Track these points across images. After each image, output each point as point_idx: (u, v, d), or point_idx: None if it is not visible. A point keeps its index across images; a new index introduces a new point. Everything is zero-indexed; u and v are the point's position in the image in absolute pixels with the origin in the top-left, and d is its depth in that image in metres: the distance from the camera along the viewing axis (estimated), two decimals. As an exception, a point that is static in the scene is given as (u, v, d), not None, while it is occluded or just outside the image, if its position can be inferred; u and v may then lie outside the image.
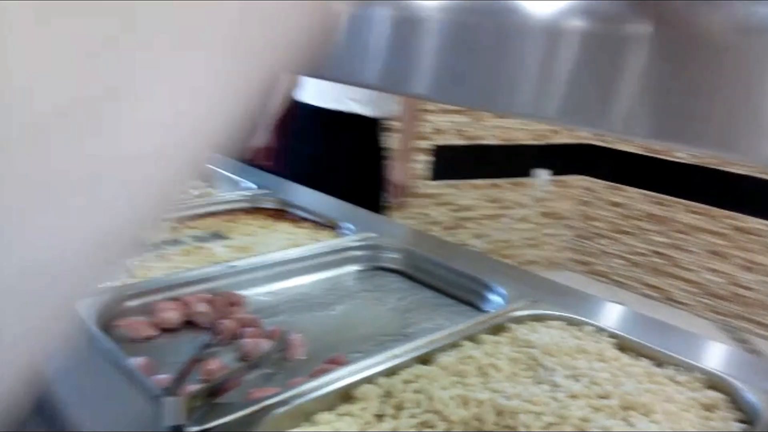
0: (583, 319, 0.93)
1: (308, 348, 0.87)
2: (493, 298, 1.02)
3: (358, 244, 1.18)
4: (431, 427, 0.71)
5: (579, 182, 3.49)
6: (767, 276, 2.91)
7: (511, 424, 0.71)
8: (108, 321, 0.87)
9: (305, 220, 1.36)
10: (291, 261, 1.10)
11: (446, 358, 0.82)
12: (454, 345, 0.86)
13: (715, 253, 3.05)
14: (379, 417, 0.72)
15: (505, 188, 3.35)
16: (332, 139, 2.10)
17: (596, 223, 3.49)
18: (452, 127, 3.13)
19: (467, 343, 0.86)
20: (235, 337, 0.86)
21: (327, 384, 0.73)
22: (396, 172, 2.16)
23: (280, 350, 0.84)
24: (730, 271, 2.99)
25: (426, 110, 3.00)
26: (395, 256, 1.16)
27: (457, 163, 3.21)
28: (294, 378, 0.79)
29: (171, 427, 0.62)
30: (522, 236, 3.44)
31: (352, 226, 1.26)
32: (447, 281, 1.09)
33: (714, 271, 3.06)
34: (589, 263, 3.54)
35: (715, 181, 2.97)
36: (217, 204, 1.39)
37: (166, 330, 0.90)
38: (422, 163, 3.12)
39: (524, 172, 3.36)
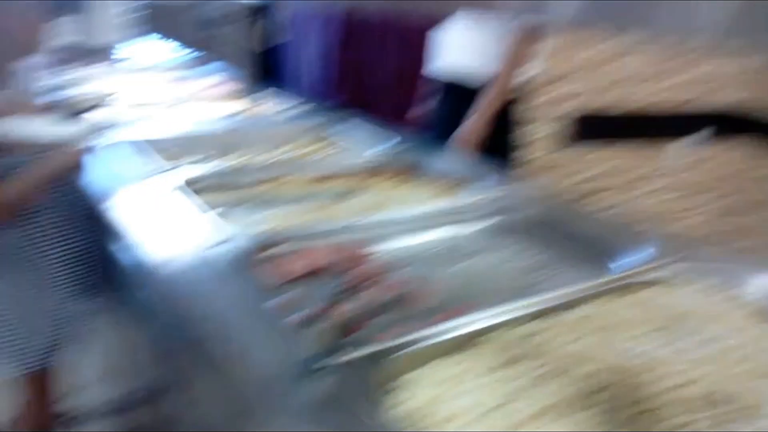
0: (720, 284, 0.89)
1: (432, 299, 0.90)
2: (625, 258, 1.00)
3: (487, 201, 1.19)
4: (553, 379, 0.72)
5: (723, 152, 3.21)
6: None
7: (631, 383, 0.70)
8: (247, 266, 0.95)
9: (438, 178, 1.39)
10: (421, 217, 1.14)
11: (570, 315, 0.82)
12: (579, 302, 0.85)
13: None
14: (495, 368, 0.74)
15: (641, 156, 3.16)
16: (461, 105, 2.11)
17: (738, 196, 3.20)
18: (588, 90, 2.99)
19: (594, 302, 0.86)
20: (364, 285, 0.91)
21: (446, 332, 0.76)
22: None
23: (405, 299, 0.88)
24: None
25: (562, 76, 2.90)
26: (525, 214, 1.17)
27: (591, 131, 3.07)
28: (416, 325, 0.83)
29: (305, 359, 0.69)
30: (663, 208, 3.24)
31: (484, 184, 1.28)
32: (577, 240, 1.08)
33: None
34: (739, 240, 3.26)
35: None
36: (354, 163, 1.45)
37: (300, 277, 0.97)
38: (556, 129, 3.02)
39: (663, 141, 3.14)
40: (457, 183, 1.34)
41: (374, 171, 1.45)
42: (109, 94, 1.96)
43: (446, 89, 2.09)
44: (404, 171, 1.45)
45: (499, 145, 2.10)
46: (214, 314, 0.80)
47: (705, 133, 3.13)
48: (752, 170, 3.16)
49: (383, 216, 1.12)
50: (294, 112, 1.91)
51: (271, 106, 2.00)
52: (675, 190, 3.23)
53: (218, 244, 0.96)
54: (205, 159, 1.52)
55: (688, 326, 0.80)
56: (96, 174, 1.29)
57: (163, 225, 1.07)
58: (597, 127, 3.05)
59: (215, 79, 2.39)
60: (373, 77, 2.89)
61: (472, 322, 0.78)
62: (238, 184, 1.31)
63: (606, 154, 3.13)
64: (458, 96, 2.06)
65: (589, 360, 0.73)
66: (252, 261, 0.96)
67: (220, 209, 1.20)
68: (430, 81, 2.13)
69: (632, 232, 1.12)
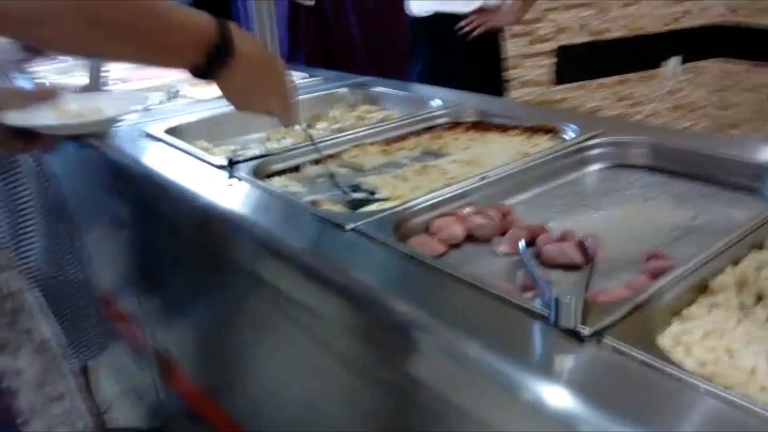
0: None
1: (607, 251, 0.83)
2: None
3: (594, 142, 1.11)
4: (808, 312, 0.66)
5: (713, 67, 3.25)
6: None
7: None
8: (398, 241, 0.85)
9: (511, 127, 1.30)
10: (534, 167, 1.05)
11: (777, 242, 0.76)
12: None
13: None
14: (743, 308, 0.67)
15: (634, 83, 3.15)
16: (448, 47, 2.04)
17: (733, 111, 3.26)
18: (576, 22, 2.95)
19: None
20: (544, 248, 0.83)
21: (681, 279, 0.69)
22: None
23: (589, 254, 0.80)
24: None
25: (549, 9, 2.83)
26: (640, 150, 1.09)
27: (582, 62, 3.04)
28: (628, 278, 0.76)
29: (566, 328, 0.60)
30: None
31: (573, 126, 1.19)
32: (710, 169, 1.01)
33: None
34: None
35: None
36: (415, 123, 1.35)
37: (453, 245, 0.87)
38: (546, 66, 2.97)
39: (654, 64, 3.15)
40: (537, 128, 1.25)
41: (440, 128, 1.35)
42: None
43: (432, 26, 2.00)
44: (472, 125, 1.35)
45: (487, 85, 2.04)
46: (415, 298, 0.70)
47: (677, 57, 3.14)
48: (735, 86, 3.21)
49: (498, 171, 1.02)
50: (307, 81, 1.77)
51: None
52: (672, 111, 3.26)
53: (352, 226, 0.85)
54: (246, 142, 1.38)
55: None
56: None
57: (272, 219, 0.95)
58: (585, 57, 3.02)
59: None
60: (339, 31, 2.73)
61: (699, 265, 0.71)
62: (299, 164, 1.18)
63: (593, 87, 3.11)
64: (448, 30, 1.98)
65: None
66: (401, 234, 0.86)
67: (313, 193, 1.08)
68: (411, 24, 2.03)
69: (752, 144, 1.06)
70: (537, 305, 0.64)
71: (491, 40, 2.13)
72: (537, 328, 0.62)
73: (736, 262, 0.73)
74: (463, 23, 1.98)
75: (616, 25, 3.01)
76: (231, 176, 1.05)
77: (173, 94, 1.66)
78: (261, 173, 1.10)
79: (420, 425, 0.71)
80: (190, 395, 1.42)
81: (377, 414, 0.79)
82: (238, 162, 1.09)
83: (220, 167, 1.09)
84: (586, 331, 0.60)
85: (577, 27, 2.97)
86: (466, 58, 2.09)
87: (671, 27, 3.09)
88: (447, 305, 0.68)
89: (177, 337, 1.37)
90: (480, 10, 2.09)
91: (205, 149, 1.25)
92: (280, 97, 0.95)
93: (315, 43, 2.52)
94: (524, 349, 0.60)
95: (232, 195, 1.00)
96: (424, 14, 2.17)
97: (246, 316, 1.03)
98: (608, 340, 0.59)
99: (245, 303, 1.02)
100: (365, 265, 0.77)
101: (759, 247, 0.76)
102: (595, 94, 3.12)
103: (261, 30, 1.56)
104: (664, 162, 1.06)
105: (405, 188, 1.04)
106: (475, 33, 1.98)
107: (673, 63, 3.14)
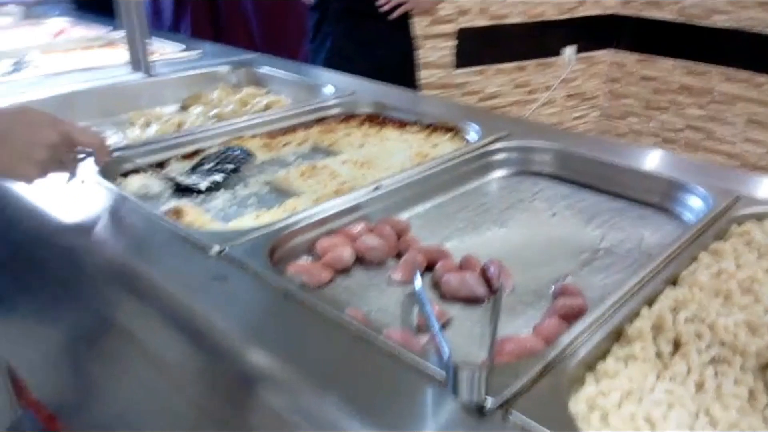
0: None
1: (511, 280, 0.74)
2: (686, 197, 0.89)
3: (498, 147, 1.02)
4: (726, 363, 0.59)
5: (607, 57, 3.30)
6: (809, 141, 2.83)
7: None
8: (276, 265, 0.71)
9: (409, 123, 1.18)
10: (434, 175, 0.94)
11: (698, 276, 0.69)
12: (692, 259, 0.73)
13: (755, 122, 2.94)
14: (661, 356, 0.60)
15: (531, 70, 3.15)
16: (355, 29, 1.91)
17: (626, 101, 3.34)
18: (477, 5, 2.88)
19: (705, 255, 0.74)
20: (442, 277, 0.72)
21: (595, 326, 0.60)
22: None
23: (495, 287, 0.70)
24: (772, 140, 2.91)
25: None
26: (545, 157, 1.01)
27: (482, 46, 2.99)
28: (532, 317, 0.67)
29: (471, 404, 0.49)
30: (550, 121, 3.28)
31: (475, 127, 1.10)
32: (617, 182, 0.95)
33: (754, 141, 2.97)
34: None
35: (757, 46, 2.81)
36: (304, 114, 1.20)
37: (341, 271, 0.75)
38: (447, 49, 2.90)
39: (551, 52, 3.15)
40: (438, 126, 1.15)
41: (334, 120, 1.22)
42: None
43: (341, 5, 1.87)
44: (367, 117, 1.23)
45: (397, 67, 1.94)
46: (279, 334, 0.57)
47: (573, 46, 3.17)
48: (628, 76, 3.28)
49: (395, 179, 0.91)
50: (189, 57, 1.57)
51: (157, 52, 1.62)
52: (566, 100, 3.28)
53: (218, 249, 0.70)
54: (106, 127, 1.18)
55: (820, 268, 0.71)
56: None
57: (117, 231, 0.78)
58: (485, 41, 2.96)
59: (57, 23, 1.93)
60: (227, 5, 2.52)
61: (612, 308, 0.63)
62: (165, 160, 1.01)
63: (498, 71, 3.07)
64: (358, 10, 1.86)
65: (761, 327, 0.61)
66: (279, 258, 0.73)
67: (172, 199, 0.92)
68: (317, 3, 1.89)
69: (667, 158, 1.01)
70: (431, 366, 0.53)
71: (402, 18, 2.00)
72: (429, 394, 0.52)
73: (651, 301, 0.65)
74: (381, 2, 1.85)
75: (515, 11, 2.97)
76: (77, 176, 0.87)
77: (21, 64, 1.41)
78: (116, 171, 0.92)
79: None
80: (42, 417, 1.23)
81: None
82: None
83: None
84: (489, 404, 0.50)
85: (478, 10, 2.90)
86: (376, 39, 1.96)
87: (568, 15, 3.10)
88: (317, 358, 0.56)
89: (26, 356, 1.17)
90: None
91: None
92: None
93: (202, 10, 2.29)
94: (410, 422, 0.49)
95: (75, 203, 0.82)
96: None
97: (94, 342, 0.86)
98: (514, 416, 0.49)
99: (93, 329, 0.85)
100: (226, 302, 0.63)
101: (674, 282, 0.69)
102: (494, 80, 3.09)
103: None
104: (571, 172, 0.99)
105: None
106: (392, 15, 1.85)
107: (569, 52, 3.16)
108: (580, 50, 3.22)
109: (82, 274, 0.78)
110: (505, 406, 0.50)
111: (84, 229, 0.77)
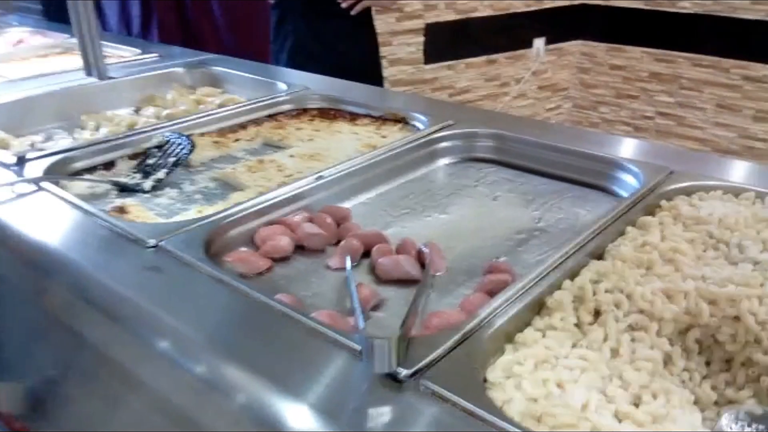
0: (741, 184, 0.83)
1: (445, 262, 0.75)
2: (620, 175, 0.91)
3: (443, 135, 1.04)
4: (643, 329, 0.61)
5: (576, 48, 3.33)
6: (777, 123, 2.87)
7: (731, 313, 0.62)
8: (214, 257, 0.73)
9: (360, 115, 1.20)
10: (379, 163, 0.96)
11: (621, 249, 0.71)
12: (619, 233, 0.75)
13: (724, 106, 2.98)
14: (580, 326, 0.62)
15: (502, 64, 3.17)
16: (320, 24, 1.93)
17: (597, 91, 3.37)
18: (445, 1, 2.90)
19: (631, 229, 0.76)
20: (376, 259, 0.74)
21: (515, 298, 0.62)
22: None
23: (425, 267, 0.72)
24: (741, 124, 2.94)
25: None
26: (489, 143, 1.03)
27: (450, 41, 3.01)
28: (464, 296, 0.68)
29: (383, 374, 0.51)
30: (522, 113, 3.31)
31: (422, 117, 1.11)
32: (558, 164, 0.97)
33: (723, 125, 3.01)
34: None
35: (723, 30, 2.85)
36: (255, 110, 1.22)
37: (280, 259, 0.77)
38: (415, 45, 2.92)
39: (521, 44, 3.18)
40: (387, 117, 1.17)
41: (284, 115, 1.23)
42: None
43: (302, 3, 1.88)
44: (318, 111, 1.24)
45: (361, 64, 1.96)
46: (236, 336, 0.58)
47: (543, 38, 3.20)
48: (599, 66, 3.31)
49: (338, 168, 0.92)
50: (143, 60, 1.57)
51: (112, 55, 1.62)
52: (537, 92, 3.31)
53: (154, 242, 0.72)
54: (52, 131, 1.19)
55: (741, 235, 0.73)
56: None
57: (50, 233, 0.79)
58: (453, 36, 2.98)
59: (16, 33, 1.93)
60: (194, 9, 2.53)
61: (534, 280, 0.65)
62: (114, 159, 1.02)
63: (468, 65, 3.10)
64: (319, 7, 1.87)
65: (676, 295, 0.63)
66: (217, 249, 0.74)
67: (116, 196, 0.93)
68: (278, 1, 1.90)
69: (605, 139, 1.03)
70: (353, 342, 0.55)
71: (365, 15, 2.01)
72: (348, 366, 0.53)
73: (574, 274, 0.67)
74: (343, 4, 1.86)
75: (482, 4, 2.99)
76: (20, 178, 0.88)
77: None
78: (62, 172, 0.93)
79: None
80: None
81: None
82: (29, 159, 0.92)
83: (8, 166, 0.91)
84: (402, 373, 0.51)
85: (444, 5, 2.92)
86: (339, 36, 1.97)
87: (536, 7, 3.12)
88: (251, 344, 0.57)
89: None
90: None
91: (2, 141, 1.06)
92: None
93: (169, 16, 2.30)
94: (331, 393, 0.51)
95: (14, 203, 0.83)
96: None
97: (41, 338, 0.87)
98: (428, 383, 0.51)
99: (40, 325, 0.86)
100: (158, 291, 0.65)
101: (599, 256, 0.71)
102: (465, 74, 3.11)
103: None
104: (513, 156, 1.01)
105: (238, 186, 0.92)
106: (353, 11, 1.86)
107: (538, 43, 3.19)
108: (549, 42, 3.25)
109: (23, 274, 0.79)
110: (417, 375, 0.51)
111: (24, 232, 0.78)
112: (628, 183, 0.89)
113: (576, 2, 3.22)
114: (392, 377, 0.51)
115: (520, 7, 3.09)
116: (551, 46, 3.24)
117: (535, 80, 3.28)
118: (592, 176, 0.93)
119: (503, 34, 3.10)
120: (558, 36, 3.25)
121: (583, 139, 1.01)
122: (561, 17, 3.23)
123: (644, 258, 0.69)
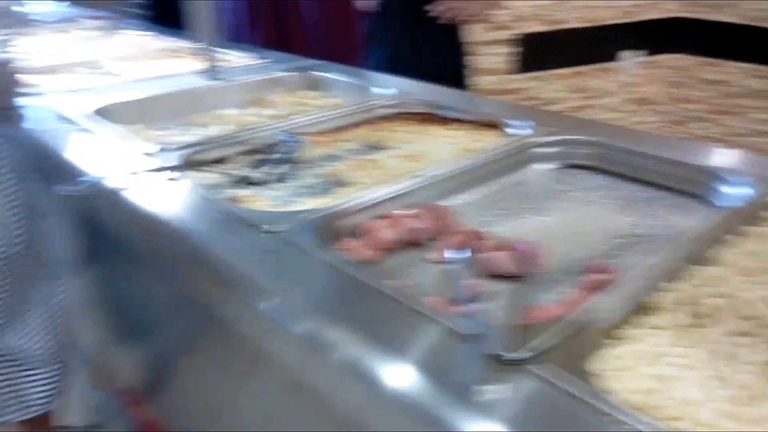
0: None
1: (548, 260, 0.78)
2: (718, 185, 0.91)
3: (543, 140, 1.07)
4: (748, 334, 0.62)
5: (668, 61, 3.25)
6: None
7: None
8: (323, 245, 0.78)
9: (457, 120, 1.24)
10: (477, 166, 1.00)
11: (724, 256, 0.72)
12: (719, 241, 0.75)
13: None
14: (682, 327, 0.63)
15: (590, 76, 3.14)
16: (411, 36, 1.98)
17: (689, 106, 3.27)
18: (533, 12, 2.91)
19: (733, 238, 0.76)
20: (481, 256, 0.77)
21: (616, 296, 0.64)
22: None
23: (528, 265, 0.75)
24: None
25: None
26: (588, 150, 1.05)
27: (539, 52, 3.01)
28: (563, 293, 0.71)
29: (490, 354, 0.55)
30: (620, 123, 3.25)
31: (517, 123, 1.14)
32: (654, 172, 0.98)
33: (825, 144, 2.86)
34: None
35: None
36: (356, 114, 1.28)
37: (384, 250, 0.81)
38: (504, 55, 2.93)
39: (611, 56, 3.14)
40: (484, 123, 1.20)
41: (384, 119, 1.29)
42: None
43: (388, 14, 1.94)
44: (418, 116, 1.29)
45: (451, 72, 1.99)
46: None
47: (635, 51, 3.14)
48: (691, 80, 3.22)
49: (442, 169, 0.96)
50: (255, 64, 1.68)
51: (226, 60, 1.74)
52: (621, 107, 3.26)
53: (271, 228, 0.78)
54: (182, 127, 1.29)
55: None
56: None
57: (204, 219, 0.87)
58: (542, 47, 2.98)
59: (142, 35, 2.09)
60: (295, 13, 2.63)
61: (637, 281, 0.66)
62: (231, 155, 1.10)
63: (552, 77, 3.09)
64: (408, 17, 1.92)
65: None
66: (328, 237, 0.79)
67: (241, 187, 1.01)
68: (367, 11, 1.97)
69: (709, 151, 1.03)
70: (461, 325, 0.59)
71: (456, 25, 2.06)
72: (459, 351, 0.57)
73: (675, 278, 0.68)
74: (432, 12, 1.91)
75: (572, 16, 2.98)
76: (160, 168, 0.97)
77: (97, 71, 1.55)
78: (191, 162, 1.02)
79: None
80: (127, 401, 1.34)
81: None
82: (167, 149, 1.01)
83: (147, 156, 1.01)
84: (511, 357, 0.55)
85: (534, 16, 2.93)
86: (428, 45, 2.03)
87: (628, 19, 3.08)
88: (361, 321, 0.62)
89: (101, 335, 1.28)
90: None
91: (136, 133, 1.17)
92: None
93: (272, 27, 2.42)
94: (442, 374, 0.55)
95: (148, 187, 0.92)
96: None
97: (170, 316, 0.96)
98: (535, 368, 0.54)
99: (167, 302, 0.95)
100: (276, 270, 0.71)
101: (699, 261, 0.72)
102: (551, 85, 3.10)
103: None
104: (610, 163, 1.02)
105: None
106: (441, 20, 1.92)
107: (629, 56, 3.14)
108: (639, 55, 3.19)
109: (154, 251, 0.87)
110: (526, 360, 0.55)
111: (159, 213, 0.86)
112: (726, 193, 0.89)
113: (668, 16, 3.15)
114: (501, 362, 0.55)
115: (610, 20, 3.06)
116: (641, 60, 3.18)
117: (624, 93, 3.22)
118: (688, 185, 0.94)
119: (592, 46, 3.07)
120: (648, 49, 3.19)
121: (678, 148, 1.01)
122: (652, 30, 3.16)
123: (748, 265, 0.70)
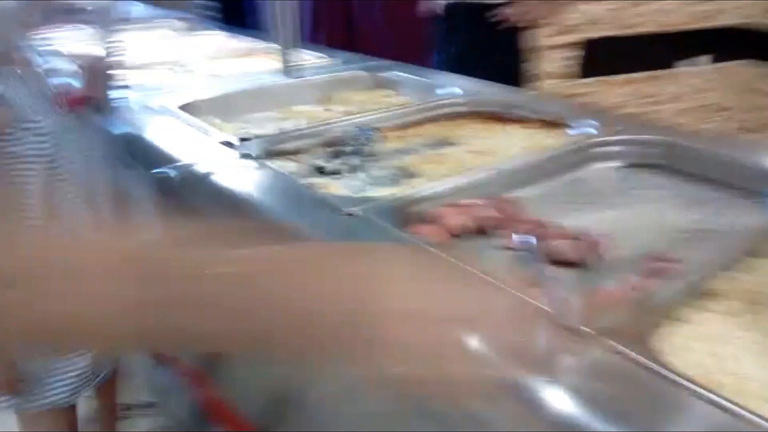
0: None
1: (612, 251, 0.81)
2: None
3: (608, 140, 1.09)
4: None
5: (744, 68, 3.16)
6: None
7: None
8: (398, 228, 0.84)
9: (526, 119, 1.28)
10: (545, 161, 1.03)
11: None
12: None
13: None
14: (741, 314, 0.66)
15: (658, 81, 3.09)
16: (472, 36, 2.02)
17: (761, 114, 3.18)
18: (602, 15, 2.88)
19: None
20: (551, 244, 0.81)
21: (680, 282, 0.67)
22: None
23: (593, 253, 0.79)
24: None
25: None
26: (652, 150, 1.07)
27: (606, 56, 2.98)
28: (630, 278, 0.74)
29: (564, 326, 0.58)
30: (677, 132, 3.19)
31: (590, 122, 1.17)
32: (723, 172, 0.99)
33: None
34: None
35: None
36: (427, 110, 1.33)
37: (455, 236, 0.86)
38: (570, 59, 2.92)
39: (678, 62, 3.08)
40: (553, 121, 1.23)
41: (457, 116, 1.33)
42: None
43: (454, 17, 1.98)
44: (488, 115, 1.33)
45: (514, 75, 2.01)
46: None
47: (707, 56, 3.08)
48: (762, 89, 3.13)
49: (512, 163, 1.01)
50: (326, 63, 1.76)
51: (299, 59, 1.83)
52: (690, 113, 3.19)
53: (349, 210, 0.84)
54: (260, 121, 1.38)
55: None
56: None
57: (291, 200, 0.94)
58: (610, 51, 2.96)
59: (217, 35, 2.21)
60: (362, 15, 2.71)
61: (699, 268, 0.69)
62: (309, 146, 1.18)
63: (618, 82, 3.05)
64: (469, 20, 1.96)
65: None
66: (401, 221, 0.85)
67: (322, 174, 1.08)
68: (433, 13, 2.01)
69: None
70: (539, 300, 0.63)
71: (518, 30, 2.09)
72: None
73: (733, 268, 0.71)
74: (497, 16, 1.95)
75: (643, 20, 2.94)
76: (241, 155, 1.05)
77: (183, 69, 1.66)
78: (270, 153, 1.10)
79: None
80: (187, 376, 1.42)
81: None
82: (247, 139, 1.09)
83: (229, 145, 1.09)
84: (584, 329, 0.58)
85: (603, 20, 2.90)
86: (491, 48, 2.07)
87: (700, 25, 3.01)
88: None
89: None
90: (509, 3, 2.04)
91: (216, 126, 1.26)
92: None
93: (337, 24, 2.51)
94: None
95: (233, 173, 1.00)
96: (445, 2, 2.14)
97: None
98: (604, 339, 0.58)
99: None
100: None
101: (758, 254, 0.74)
102: (618, 90, 3.06)
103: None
104: (678, 163, 1.04)
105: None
106: (503, 25, 1.95)
107: (701, 62, 3.07)
108: (714, 60, 3.11)
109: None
110: (596, 333, 0.58)
111: (238, 194, 0.94)
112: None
113: (746, 22, 3.06)
114: (574, 333, 0.58)
115: (685, 25, 3.00)
116: (716, 65, 3.11)
117: (697, 98, 3.16)
118: (753, 184, 0.94)
119: (663, 51, 3.02)
120: (724, 55, 3.11)
121: (743, 148, 1.02)
122: (729, 36, 3.08)
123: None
